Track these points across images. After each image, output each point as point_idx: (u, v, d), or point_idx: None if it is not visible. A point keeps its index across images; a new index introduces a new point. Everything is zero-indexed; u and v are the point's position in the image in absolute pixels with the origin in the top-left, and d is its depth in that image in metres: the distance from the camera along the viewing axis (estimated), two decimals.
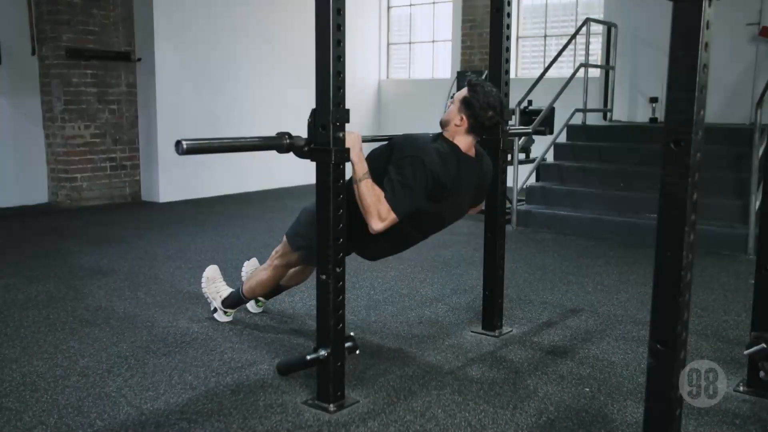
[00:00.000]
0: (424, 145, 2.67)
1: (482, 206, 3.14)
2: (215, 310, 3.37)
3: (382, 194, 2.55)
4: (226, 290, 3.38)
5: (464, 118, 2.71)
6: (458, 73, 8.53)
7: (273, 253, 3.16)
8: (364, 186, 2.53)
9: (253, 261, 3.60)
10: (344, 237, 2.42)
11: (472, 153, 2.79)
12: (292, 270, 3.22)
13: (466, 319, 3.51)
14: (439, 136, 2.77)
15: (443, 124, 2.79)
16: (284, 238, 3.07)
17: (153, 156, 7.28)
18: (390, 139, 2.81)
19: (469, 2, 8.89)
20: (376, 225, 2.54)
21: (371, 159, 2.69)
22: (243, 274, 3.57)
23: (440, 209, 2.74)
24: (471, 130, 2.73)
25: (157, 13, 7.04)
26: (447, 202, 2.74)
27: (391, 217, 2.55)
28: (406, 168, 2.58)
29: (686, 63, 1.60)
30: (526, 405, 2.51)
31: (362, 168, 2.53)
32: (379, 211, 2.53)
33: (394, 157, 2.64)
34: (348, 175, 2.47)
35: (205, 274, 3.44)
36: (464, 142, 2.74)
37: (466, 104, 2.70)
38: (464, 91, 2.75)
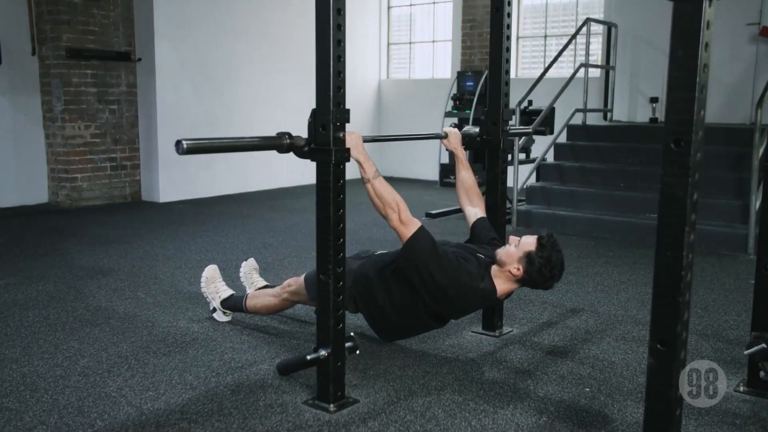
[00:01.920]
0: (470, 272, 2.64)
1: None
2: (214, 310, 3.38)
3: (403, 200, 2.56)
4: (225, 290, 3.38)
5: (521, 269, 2.67)
6: (458, 72, 8.52)
7: (286, 284, 3.16)
8: (380, 183, 2.53)
9: (251, 261, 3.60)
10: (344, 237, 2.41)
11: (503, 297, 2.80)
12: None
13: (467, 318, 3.51)
14: (487, 270, 2.72)
15: (499, 261, 2.72)
16: (302, 279, 3.05)
17: (153, 156, 7.28)
18: (388, 140, 2.82)
19: (469, 2, 8.89)
20: (394, 221, 2.54)
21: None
22: (241, 274, 3.57)
23: (452, 316, 2.90)
24: (520, 282, 2.72)
25: (157, 13, 7.04)
26: (460, 315, 2.90)
27: (406, 229, 2.54)
28: (449, 260, 2.59)
29: (686, 63, 1.60)
30: (526, 405, 2.51)
31: (371, 166, 2.54)
32: (401, 210, 2.54)
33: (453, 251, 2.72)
34: (348, 175, 2.46)
35: (204, 274, 3.44)
36: (505, 287, 2.73)
37: (528, 260, 2.65)
38: (533, 244, 2.67)
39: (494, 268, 2.73)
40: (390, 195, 2.54)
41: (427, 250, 2.55)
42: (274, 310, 3.26)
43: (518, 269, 2.66)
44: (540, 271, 2.64)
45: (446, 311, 2.76)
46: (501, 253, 2.73)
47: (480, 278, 2.65)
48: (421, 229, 2.57)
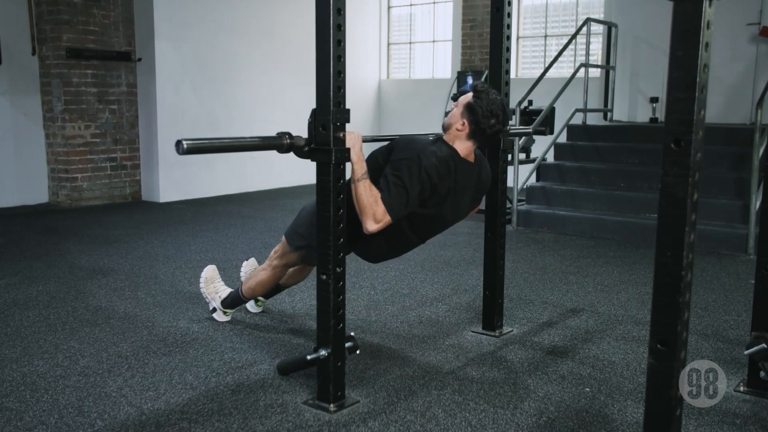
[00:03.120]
0: (423, 148, 2.66)
1: (481, 206, 3.14)
2: (214, 310, 3.38)
3: (379, 195, 2.55)
4: (224, 290, 3.38)
5: (466, 123, 2.71)
6: (458, 73, 8.53)
7: (272, 252, 3.16)
8: (362, 186, 2.53)
9: (252, 261, 3.60)
10: (344, 237, 2.42)
11: (471, 158, 2.79)
12: (291, 269, 3.22)
13: (467, 319, 3.51)
14: (438, 139, 2.76)
15: (445, 127, 2.79)
16: (283, 238, 3.07)
17: (153, 156, 7.28)
18: (391, 140, 2.82)
19: (469, 2, 8.89)
20: (371, 226, 2.54)
21: (370, 160, 2.70)
22: (242, 274, 3.57)
23: (437, 212, 2.75)
24: (472, 135, 2.73)
25: (157, 13, 7.04)
26: (445, 206, 2.74)
27: (386, 219, 2.55)
28: (404, 170, 2.58)
29: (686, 63, 1.60)
30: (526, 405, 2.51)
31: (361, 168, 2.54)
32: (374, 213, 2.53)
33: (392, 159, 2.65)
34: (348, 175, 2.47)
35: (203, 274, 3.44)
36: (463, 146, 2.74)
37: (469, 110, 2.70)
38: (468, 97, 2.74)
39: (444, 136, 2.77)
40: (368, 200, 2.53)
41: (406, 204, 2.57)
42: (268, 284, 3.21)
43: (463, 123, 2.70)
44: (484, 115, 2.68)
45: (438, 200, 2.70)
46: (445, 120, 2.80)
47: (434, 146, 2.67)
48: (389, 203, 2.55)
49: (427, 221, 2.77)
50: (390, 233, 2.68)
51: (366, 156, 2.64)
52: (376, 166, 2.67)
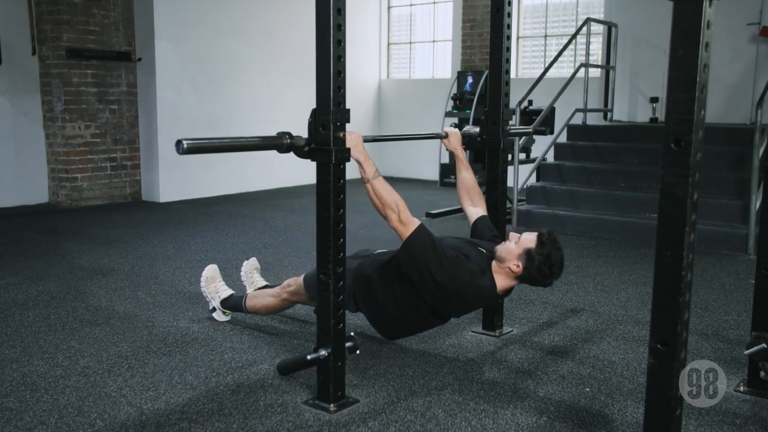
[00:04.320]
0: (471, 271, 2.62)
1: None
2: (214, 309, 3.38)
3: (403, 201, 2.55)
4: (225, 290, 3.38)
5: (520, 266, 2.65)
6: (458, 72, 8.53)
7: (285, 284, 3.14)
8: (379, 183, 2.52)
9: (252, 261, 3.60)
10: (344, 237, 2.42)
11: (503, 293, 2.78)
12: None
13: (467, 318, 3.51)
14: (488, 266, 2.70)
15: (499, 258, 2.70)
16: (301, 280, 3.04)
17: (153, 156, 7.28)
18: (390, 140, 2.82)
19: (470, 2, 8.89)
20: (394, 221, 2.53)
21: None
22: (242, 274, 3.57)
23: (455, 314, 2.89)
24: (520, 279, 2.70)
25: (157, 13, 7.04)
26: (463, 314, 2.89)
27: (405, 229, 2.52)
28: (450, 259, 2.57)
29: (686, 63, 1.60)
30: (526, 405, 2.51)
31: (370, 166, 2.52)
32: (400, 211, 2.52)
33: (453, 246, 2.73)
34: (348, 175, 2.46)
35: (204, 273, 3.44)
36: (504, 283, 2.71)
37: (528, 257, 2.63)
38: (533, 241, 2.66)
39: (494, 263, 2.71)
40: (389, 195, 2.53)
41: (427, 249, 2.54)
42: (273, 311, 3.26)
43: (518, 266, 2.64)
44: (539, 269, 2.63)
45: (446, 309, 2.75)
46: (501, 249, 2.72)
47: (480, 274, 2.64)
48: (421, 227, 2.56)
49: (448, 316, 2.88)
50: (411, 314, 2.74)
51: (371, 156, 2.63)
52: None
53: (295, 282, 3.10)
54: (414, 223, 2.55)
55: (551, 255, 2.64)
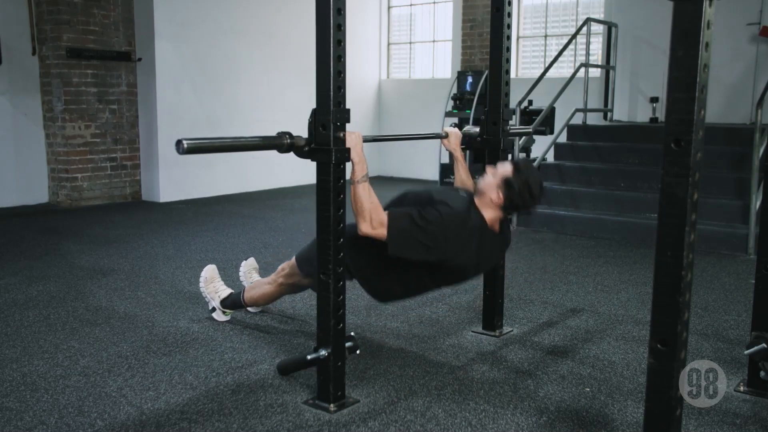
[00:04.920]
0: (455, 214, 2.62)
1: None
2: (213, 309, 3.38)
3: (379, 205, 2.53)
4: (224, 290, 3.38)
5: (501, 196, 2.68)
6: (458, 72, 8.52)
7: (279, 269, 3.14)
8: (362, 189, 2.50)
9: (251, 261, 3.60)
10: (344, 237, 2.42)
11: (496, 227, 2.77)
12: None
13: (467, 318, 3.51)
14: (472, 204, 2.73)
15: (479, 192, 2.75)
16: (294, 260, 3.04)
17: (153, 156, 7.28)
18: (391, 140, 2.81)
19: (470, 2, 8.89)
20: (365, 228, 2.50)
21: (401, 194, 2.71)
22: (241, 273, 3.57)
23: (460, 275, 2.79)
24: (504, 208, 2.72)
25: (157, 13, 7.04)
26: (468, 270, 2.77)
27: (380, 231, 2.50)
28: (430, 220, 2.54)
29: (686, 63, 1.60)
30: (526, 405, 2.51)
31: (362, 169, 2.52)
32: (372, 218, 2.50)
33: (430, 200, 2.66)
34: (348, 175, 2.47)
35: (203, 273, 3.44)
36: (492, 216, 2.73)
37: (506, 185, 2.67)
38: (508, 170, 2.70)
39: (477, 199, 2.75)
40: (366, 203, 2.49)
41: (408, 237, 2.53)
42: (271, 298, 3.23)
43: (498, 196, 2.69)
44: (520, 195, 2.67)
45: (457, 265, 2.70)
46: (480, 183, 2.77)
47: (466, 213, 2.66)
48: (392, 221, 2.52)
49: (449, 278, 2.81)
50: (406, 274, 2.71)
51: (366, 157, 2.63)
52: (405, 200, 2.69)
53: (288, 265, 3.09)
54: (384, 222, 2.51)
55: (529, 179, 2.68)
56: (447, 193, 2.82)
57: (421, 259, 2.58)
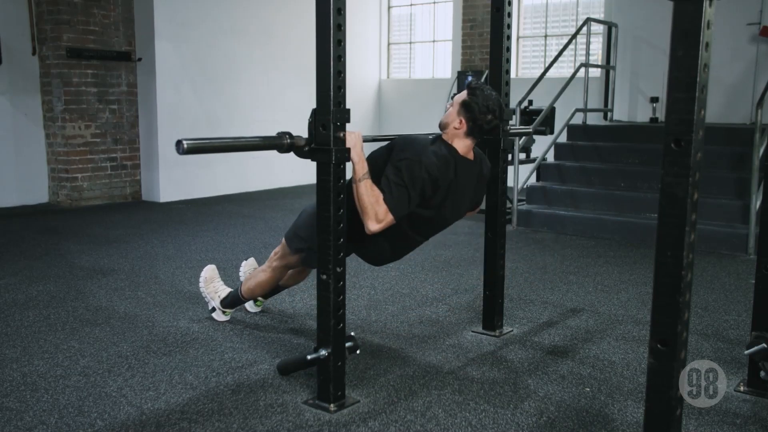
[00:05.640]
0: (423, 148, 2.67)
1: (481, 206, 3.14)
2: (213, 309, 3.38)
3: (380, 196, 2.55)
4: (224, 290, 3.38)
5: (463, 121, 2.71)
6: (458, 72, 8.53)
7: (272, 254, 3.16)
8: (364, 186, 2.53)
9: (251, 261, 3.60)
10: (344, 237, 2.42)
11: (470, 156, 2.79)
12: (291, 270, 3.22)
13: (467, 318, 3.51)
14: (437, 139, 2.77)
15: (442, 126, 2.79)
16: (283, 240, 3.07)
17: (153, 156, 7.28)
18: (391, 140, 2.82)
19: (470, 2, 8.89)
20: (373, 226, 2.53)
21: (370, 161, 2.70)
22: (241, 273, 3.57)
23: (438, 212, 2.74)
24: (470, 133, 2.74)
25: (157, 13, 7.04)
26: (446, 205, 2.74)
27: (388, 218, 2.55)
28: (404, 170, 2.58)
29: (686, 63, 1.60)
30: (526, 405, 2.51)
31: (362, 168, 2.53)
32: (376, 213, 2.53)
33: (392, 159, 2.65)
34: (349, 175, 2.47)
35: (202, 274, 3.44)
36: (463, 144, 2.75)
37: (465, 107, 2.71)
38: (464, 95, 2.75)
39: (443, 135, 2.77)
40: (369, 200, 2.52)
41: (404, 200, 2.57)
42: (267, 285, 3.22)
43: (461, 122, 2.71)
44: (481, 112, 2.69)
45: (439, 200, 2.70)
46: (442, 119, 2.79)
47: (434, 146, 2.68)
48: (392, 204, 2.55)
49: (428, 220, 2.77)
50: (391, 234, 2.69)
51: (366, 156, 2.63)
52: (376, 167, 2.67)
53: (279, 247, 3.10)
54: (387, 210, 2.54)
55: (486, 96, 2.71)
56: (409, 138, 2.80)
57: (417, 204, 2.61)
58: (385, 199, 2.54)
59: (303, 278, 3.34)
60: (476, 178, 2.86)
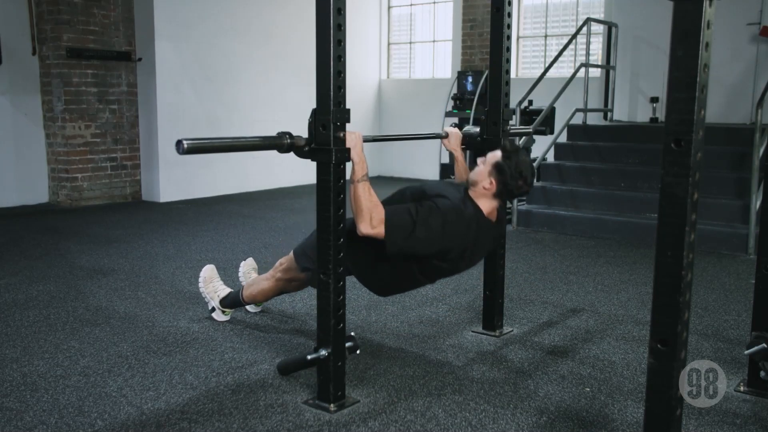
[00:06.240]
0: (452, 206, 2.62)
1: None
2: (213, 309, 3.38)
3: (378, 202, 2.52)
4: (224, 290, 3.38)
5: (494, 182, 2.69)
6: (459, 72, 8.53)
7: (277, 264, 3.13)
8: (362, 188, 2.50)
9: (250, 261, 3.60)
10: (344, 237, 2.42)
11: (493, 216, 2.78)
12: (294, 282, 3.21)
13: (467, 318, 3.51)
14: (466, 196, 2.74)
15: (471, 183, 2.76)
16: (291, 254, 3.04)
17: (153, 156, 7.28)
18: (393, 139, 2.80)
19: (470, 2, 8.89)
20: (365, 229, 2.49)
21: (398, 193, 2.73)
22: (240, 274, 3.57)
23: (453, 264, 2.75)
24: (498, 195, 2.73)
25: (157, 13, 7.04)
26: (462, 260, 2.74)
27: (380, 229, 2.49)
28: (426, 212, 2.55)
29: (686, 63, 1.60)
30: (526, 405, 2.51)
31: (362, 169, 2.52)
32: (372, 217, 2.49)
33: (425, 194, 2.67)
34: (348, 175, 2.47)
35: (202, 274, 3.44)
36: (489, 205, 2.73)
37: (497, 169, 2.68)
38: (498, 155, 2.72)
39: (471, 191, 2.75)
40: (366, 203, 2.48)
41: (408, 233, 2.52)
42: (269, 294, 3.22)
43: (491, 183, 2.69)
44: (512, 177, 2.68)
45: (454, 257, 2.70)
46: (472, 174, 2.77)
47: (462, 205, 2.66)
48: (389, 217, 2.51)
49: (439, 269, 2.78)
50: (399, 271, 2.70)
51: (365, 156, 2.63)
52: (401, 199, 2.69)
53: (286, 259, 3.08)
54: (382, 219, 2.51)
55: (519, 161, 2.69)
56: (442, 186, 2.81)
57: (419, 253, 2.58)
58: (386, 211, 2.51)
59: (305, 287, 3.33)
60: (493, 240, 2.90)
